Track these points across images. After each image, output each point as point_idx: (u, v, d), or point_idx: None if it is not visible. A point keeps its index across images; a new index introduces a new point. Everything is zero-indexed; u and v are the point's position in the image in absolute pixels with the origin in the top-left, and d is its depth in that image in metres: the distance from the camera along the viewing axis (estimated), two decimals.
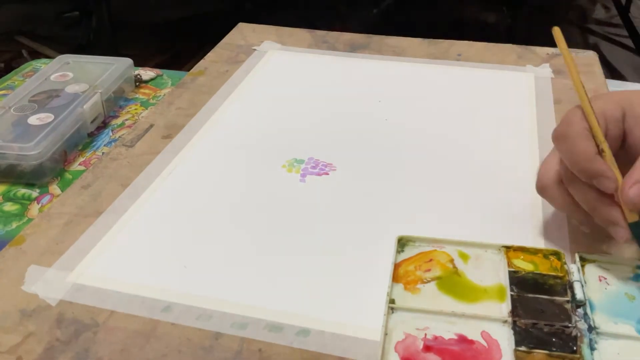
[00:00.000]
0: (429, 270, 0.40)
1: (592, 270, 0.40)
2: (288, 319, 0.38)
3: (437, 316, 0.37)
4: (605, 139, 0.38)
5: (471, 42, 0.73)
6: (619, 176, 0.37)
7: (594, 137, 0.38)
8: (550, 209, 0.46)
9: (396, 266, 0.41)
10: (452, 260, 0.41)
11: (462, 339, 0.36)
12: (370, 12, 2.33)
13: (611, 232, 0.38)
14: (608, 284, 0.39)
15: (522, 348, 0.35)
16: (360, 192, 0.49)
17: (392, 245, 0.42)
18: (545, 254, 0.41)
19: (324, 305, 0.39)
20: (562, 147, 0.38)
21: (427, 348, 0.35)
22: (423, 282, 0.40)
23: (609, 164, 0.37)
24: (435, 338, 0.36)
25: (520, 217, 0.46)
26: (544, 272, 0.39)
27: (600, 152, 0.37)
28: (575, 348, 0.35)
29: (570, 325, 0.36)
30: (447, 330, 0.36)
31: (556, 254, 0.41)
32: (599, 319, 0.36)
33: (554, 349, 0.34)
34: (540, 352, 0.34)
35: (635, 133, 0.39)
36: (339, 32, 0.78)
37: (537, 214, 0.46)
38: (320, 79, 0.67)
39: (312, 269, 0.42)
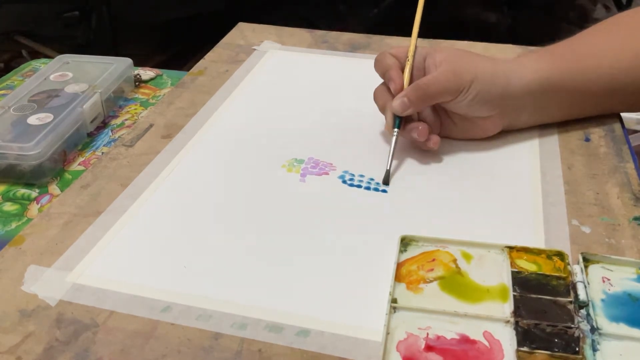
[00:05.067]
0: (431, 270, 0.40)
1: (595, 271, 0.40)
2: (288, 319, 0.38)
3: (440, 316, 0.37)
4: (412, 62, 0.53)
5: (472, 42, 0.73)
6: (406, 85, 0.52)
7: (408, 54, 0.53)
8: (551, 208, 0.46)
9: (399, 266, 0.40)
10: (455, 260, 0.41)
11: (464, 339, 0.36)
12: (370, 11, 2.33)
13: (386, 120, 0.54)
14: (611, 285, 0.39)
15: (524, 348, 0.35)
16: (361, 191, 0.49)
17: (394, 245, 0.42)
18: (549, 255, 0.41)
19: (324, 305, 0.39)
20: (378, 64, 0.54)
21: (429, 348, 0.35)
22: (425, 282, 0.39)
23: (401, 74, 0.52)
24: (438, 338, 0.36)
25: (520, 217, 0.46)
26: (547, 273, 0.39)
27: (406, 61, 0.53)
28: (577, 349, 0.34)
29: (572, 326, 0.36)
30: (449, 330, 0.36)
31: (559, 255, 0.40)
32: (602, 320, 0.36)
33: (556, 350, 0.34)
34: (542, 353, 0.34)
35: (429, 69, 0.53)
36: (339, 32, 0.78)
37: (538, 213, 0.46)
38: (320, 79, 0.67)
39: (312, 269, 0.42)
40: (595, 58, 0.54)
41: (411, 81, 0.53)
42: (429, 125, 0.53)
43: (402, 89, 0.52)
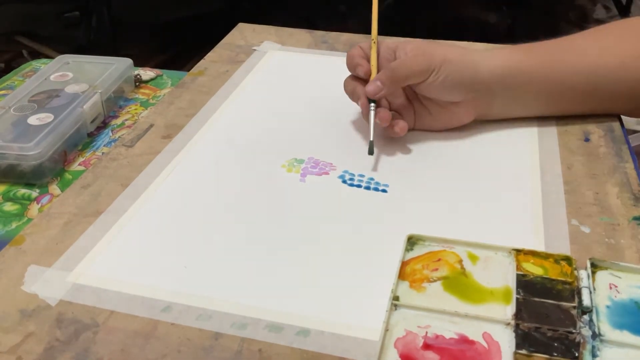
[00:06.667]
0: (436, 269, 0.40)
1: (602, 278, 0.39)
2: (288, 319, 0.38)
3: (440, 315, 0.37)
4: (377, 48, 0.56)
5: (471, 42, 0.73)
6: (374, 70, 0.54)
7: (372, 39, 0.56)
8: (551, 208, 0.46)
9: (403, 264, 0.41)
10: (460, 261, 0.41)
11: (463, 339, 0.36)
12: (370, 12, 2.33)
13: (360, 105, 0.55)
14: (618, 292, 0.38)
15: (523, 351, 0.34)
16: (361, 191, 0.49)
17: (393, 245, 0.42)
18: (556, 259, 0.40)
19: (324, 305, 0.39)
20: (348, 59, 0.56)
21: (427, 346, 0.35)
22: (429, 281, 0.39)
23: (368, 58, 0.55)
24: (436, 337, 0.36)
25: (520, 217, 0.46)
26: (553, 277, 0.39)
27: (372, 43, 0.56)
28: (577, 354, 0.34)
29: (574, 331, 0.35)
30: (448, 330, 0.36)
31: (567, 259, 0.40)
32: (605, 327, 0.36)
33: (555, 354, 0.34)
34: (540, 357, 0.34)
35: (399, 55, 0.55)
36: (338, 32, 0.78)
37: (537, 213, 0.46)
38: (320, 79, 0.67)
39: (313, 269, 0.42)
40: (576, 54, 0.55)
41: (380, 69, 0.54)
42: (402, 116, 0.55)
43: (369, 70, 0.54)
